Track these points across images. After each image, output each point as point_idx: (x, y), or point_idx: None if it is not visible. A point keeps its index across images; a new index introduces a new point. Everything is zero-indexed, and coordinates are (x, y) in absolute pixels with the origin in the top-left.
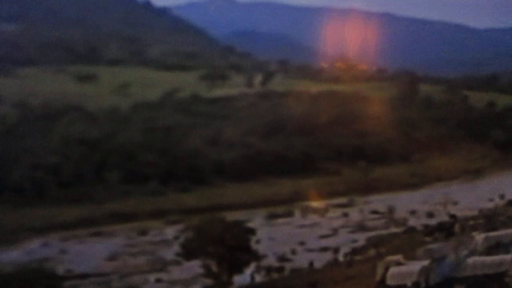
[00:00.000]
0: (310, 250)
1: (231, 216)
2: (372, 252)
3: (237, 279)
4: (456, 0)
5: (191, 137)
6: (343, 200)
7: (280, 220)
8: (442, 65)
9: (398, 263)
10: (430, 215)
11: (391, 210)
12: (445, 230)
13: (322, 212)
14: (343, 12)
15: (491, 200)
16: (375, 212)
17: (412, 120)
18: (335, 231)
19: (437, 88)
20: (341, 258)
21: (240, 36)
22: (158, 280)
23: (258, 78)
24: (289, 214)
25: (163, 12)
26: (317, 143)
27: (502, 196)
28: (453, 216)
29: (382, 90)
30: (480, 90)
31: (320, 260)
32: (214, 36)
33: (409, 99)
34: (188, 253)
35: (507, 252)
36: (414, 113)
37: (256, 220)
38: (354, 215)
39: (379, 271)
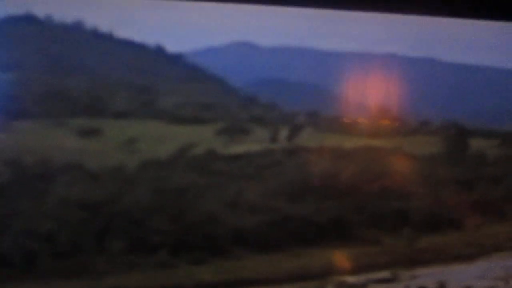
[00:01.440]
0: None
1: None
2: None
3: None
4: (508, 44)
5: (206, 200)
6: (385, 274)
7: None
8: (496, 116)
9: None
10: None
11: (442, 286)
12: None
13: None
14: (380, 58)
15: None
16: None
17: (463, 180)
18: None
19: (491, 142)
20: None
21: (264, 84)
22: None
23: (284, 132)
24: None
25: (177, 58)
26: (352, 207)
27: None
28: None
29: (426, 145)
30: None
31: None
32: (234, 85)
33: (459, 155)
34: None
35: None
36: (465, 172)
37: None
38: None
39: None
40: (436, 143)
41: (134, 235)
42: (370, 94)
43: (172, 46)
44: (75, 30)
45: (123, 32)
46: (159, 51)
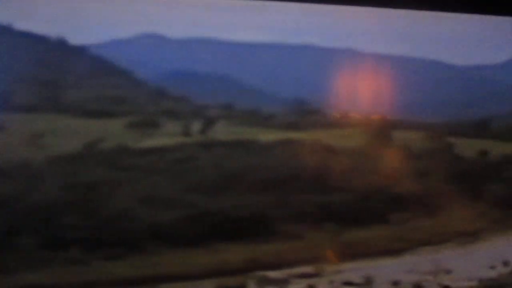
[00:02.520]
0: None
1: None
2: None
3: None
4: (429, 34)
5: (119, 195)
6: (308, 269)
7: None
8: (419, 107)
9: None
10: (418, 286)
11: (368, 281)
12: None
13: (282, 283)
14: (295, 49)
15: (492, 267)
16: (348, 283)
17: (387, 174)
18: None
19: (416, 134)
20: None
21: (174, 77)
22: None
23: (196, 126)
24: (242, 286)
25: (82, 51)
26: (273, 202)
27: (506, 263)
28: None
29: (348, 138)
30: (468, 136)
31: None
32: (143, 77)
33: (382, 148)
34: None
35: None
36: (389, 165)
37: None
38: (323, 287)
39: None
40: (358, 136)
41: (46, 232)
42: (285, 86)
43: (75, 39)
44: None
45: (22, 25)
46: (61, 44)
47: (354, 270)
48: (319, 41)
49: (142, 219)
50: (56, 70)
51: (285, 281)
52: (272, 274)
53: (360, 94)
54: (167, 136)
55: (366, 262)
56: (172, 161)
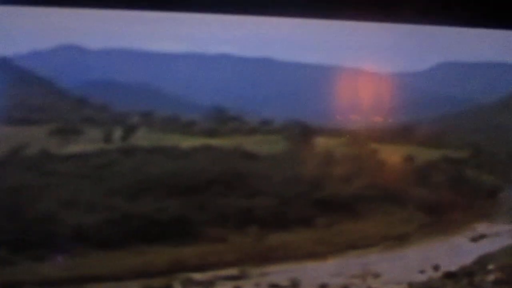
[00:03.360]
0: None
1: None
2: None
3: None
4: (348, 43)
5: (43, 198)
6: (233, 271)
7: None
8: (341, 114)
9: None
10: None
11: (295, 283)
12: None
13: (207, 285)
14: (213, 58)
15: (422, 272)
16: (274, 285)
17: (310, 179)
18: None
19: (338, 140)
20: None
21: (93, 86)
22: None
23: (118, 132)
24: (167, 287)
25: (2, 62)
26: (195, 205)
27: (436, 267)
28: None
29: (269, 144)
30: (392, 142)
31: None
32: (64, 87)
33: (304, 154)
34: None
35: None
36: (311, 171)
37: None
38: None
39: None
40: (279, 142)
41: None
42: (203, 94)
43: None
44: None
45: None
46: None
47: (280, 273)
48: (236, 50)
49: (66, 221)
50: None
51: (210, 283)
52: (197, 275)
53: (280, 101)
54: (89, 142)
55: (292, 265)
56: (94, 167)
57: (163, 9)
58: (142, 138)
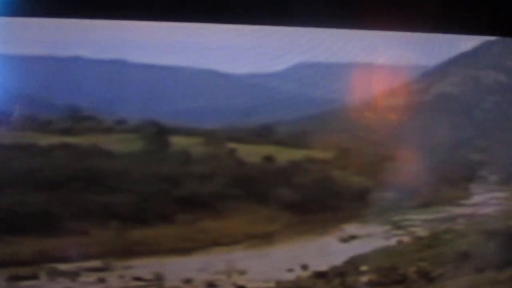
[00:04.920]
0: None
1: None
2: None
3: None
4: (202, 45)
5: None
6: (96, 263)
7: (25, 283)
8: (197, 115)
9: None
10: (211, 285)
11: (159, 277)
12: None
13: (73, 276)
14: (64, 60)
15: (290, 270)
16: (138, 278)
17: (168, 177)
18: None
19: (194, 140)
20: None
21: None
22: None
23: None
24: (34, 276)
25: None
26: (56, 200)
27: (304, 267)
28: None
29: (125, 143)
30: (251, 142)
31: None
32: None
33: (160, 152)
34: None
35: None
36: (169, 169)
37: None
38: (113, 281)
39: None
40: (135, 141)
41: None
42: (59, 94)
43: None
44: None
45: None
46: None
47: (144, 267)
48: (89, 53)
49: None
50: None
51: (76, 273)
52: (63, 266)
53: (135, 102)
54: None
55: (155, 260)
56: None
57: (16, 14)
58: (2, 136)
